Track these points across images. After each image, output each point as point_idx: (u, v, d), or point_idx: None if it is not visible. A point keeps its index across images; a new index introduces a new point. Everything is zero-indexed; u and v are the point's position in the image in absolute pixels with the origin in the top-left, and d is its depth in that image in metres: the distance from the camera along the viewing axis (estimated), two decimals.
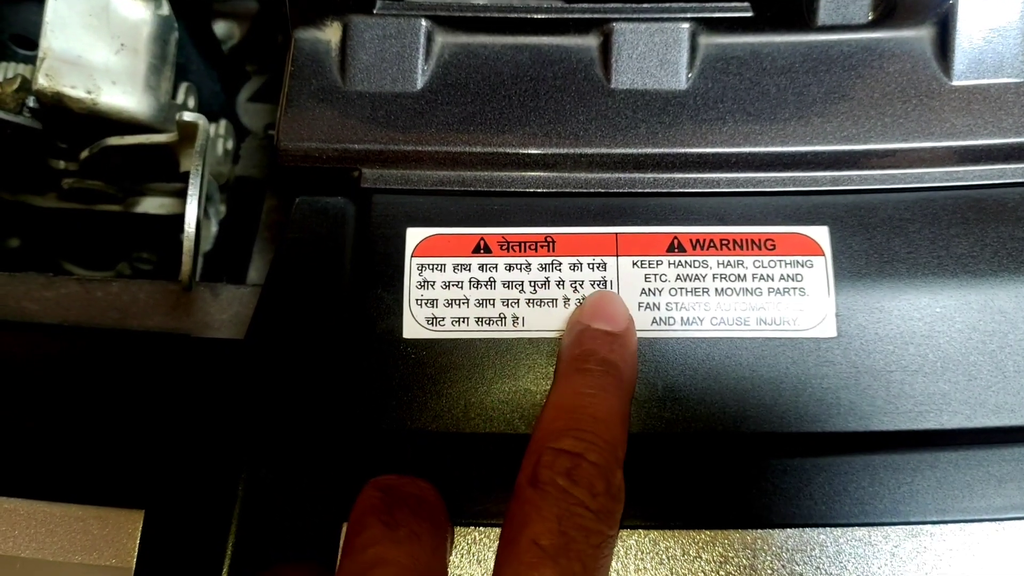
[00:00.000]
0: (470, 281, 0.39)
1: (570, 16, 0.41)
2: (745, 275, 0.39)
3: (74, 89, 0.45)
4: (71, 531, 0.40)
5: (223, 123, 0.56)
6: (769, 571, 0.38)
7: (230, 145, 0.57)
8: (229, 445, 0.40)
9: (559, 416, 0.35)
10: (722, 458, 0.39)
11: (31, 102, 0.47)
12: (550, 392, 0.36)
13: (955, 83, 0.40)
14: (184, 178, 0.43)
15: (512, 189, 0.40)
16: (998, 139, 0.40)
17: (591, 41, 0.42)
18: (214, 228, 0.55)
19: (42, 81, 0.45)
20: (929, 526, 0.39)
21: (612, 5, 0.41)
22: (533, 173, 0.40)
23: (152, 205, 0.54)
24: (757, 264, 0.39)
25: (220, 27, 0.61)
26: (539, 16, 0.41)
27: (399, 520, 0.33)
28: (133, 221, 0.54)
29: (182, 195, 0.42)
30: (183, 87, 0.52)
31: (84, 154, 0.48)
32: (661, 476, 0.39)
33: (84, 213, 0.53)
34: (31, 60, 0.48)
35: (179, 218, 0.42)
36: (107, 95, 0.46)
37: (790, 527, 0.39)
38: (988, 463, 0.39)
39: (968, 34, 0.40)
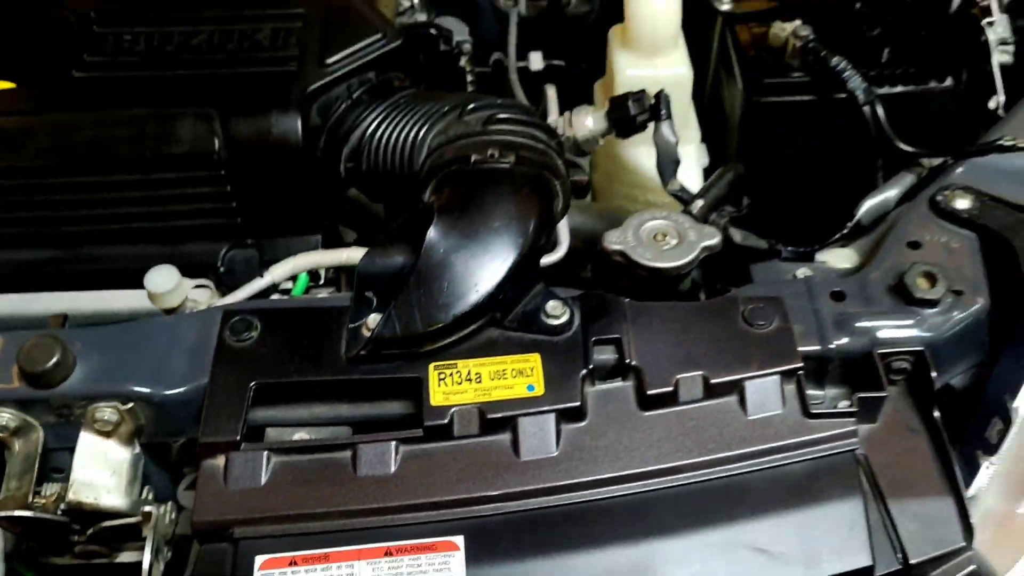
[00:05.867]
0: None
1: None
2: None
3: (87, 499, 0.86)
4: None
5: (169, 504, 0.96)
6: None
7: (173, 516, 0.97)
8: None
9: None
10: None
11: (63, 506, 0.87)
12: None
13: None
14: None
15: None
16: None
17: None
18: (161, 567, 0.93)
19: (71, 496, 0.86)
20: None
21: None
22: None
23: (128, 556, 0.92)
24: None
25: None
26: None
27: None
28: (118, 567, 0.92)
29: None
30: (147, 489, 0.93)
31: (90, 530, 0.88)
32: None
33: (88, 565, 0.92)
34: (61, 480, 0.89)
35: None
36: (105, 500, 0.86)
37: None
38: None
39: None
